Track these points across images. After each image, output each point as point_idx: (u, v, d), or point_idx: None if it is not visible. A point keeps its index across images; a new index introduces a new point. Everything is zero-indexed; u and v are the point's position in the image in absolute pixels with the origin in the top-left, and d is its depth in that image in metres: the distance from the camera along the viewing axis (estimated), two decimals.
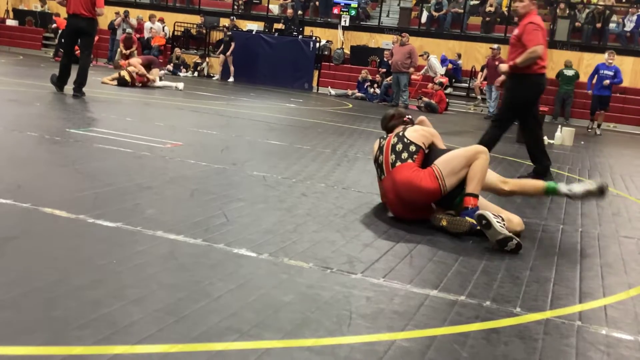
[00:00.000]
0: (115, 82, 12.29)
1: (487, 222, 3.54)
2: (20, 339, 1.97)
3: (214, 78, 18.30)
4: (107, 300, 2.31)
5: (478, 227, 3.63)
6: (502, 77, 6.47)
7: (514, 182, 4.24)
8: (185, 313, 2.28)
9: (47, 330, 2.04)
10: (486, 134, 6.38)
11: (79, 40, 9.56)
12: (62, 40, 11.06)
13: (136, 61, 12.89)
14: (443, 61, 17.11)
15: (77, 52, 10.25)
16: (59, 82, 9.69)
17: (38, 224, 3.17)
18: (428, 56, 16.55)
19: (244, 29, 19.21)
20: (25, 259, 2.66)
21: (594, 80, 13.49)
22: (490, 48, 14.87)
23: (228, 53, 17.92)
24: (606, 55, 13.44)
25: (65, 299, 2.29)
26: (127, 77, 12.37)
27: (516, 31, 6.18)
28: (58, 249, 2.85)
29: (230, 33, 18.05)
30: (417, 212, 3.98)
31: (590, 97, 13.88)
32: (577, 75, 15.79)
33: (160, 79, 13.26)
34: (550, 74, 16.50)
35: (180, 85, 13.07)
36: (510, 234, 3.55)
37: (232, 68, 18.04)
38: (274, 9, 20.54)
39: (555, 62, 16.75)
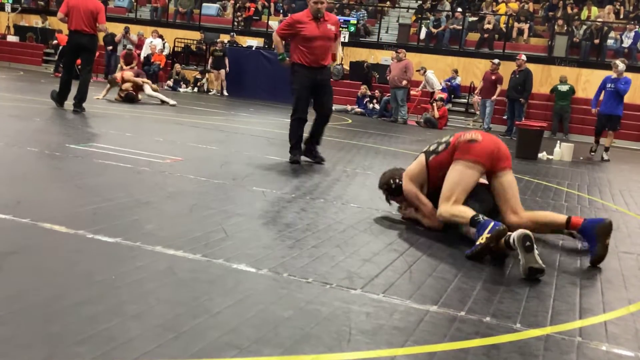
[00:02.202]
0: (120, 97, 12.30)
1: (530, 245, 3.35)
2: (19, 355, 1.96)
3: (210, 93, 18.35)
4: (106, 315, 2.30)
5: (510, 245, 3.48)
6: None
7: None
8: (184, 329, 2.27)
9: (45, 346, 2.03)
10: None
11: (80, 56, 9.62)
12: (63, 56, 11.14)
13: (129, 74, 12.89)
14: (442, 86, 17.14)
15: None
16: (59, 97, 9.74)
17: (37, 239, 3.17)
18: (425, 71, 16.62)
19: (244, 45, 19.30)
20: (24, 275, 2.65)
21: (601, 97, 11.29)
22: (491, 62, 14.92)
23: (222, 69, 18.05)
24: (618, 62, 11.09)
25: (64, 315, 2.28)
26: (132, 90, 12.42)
27: None
28: (57, 264, 2.84)
29: (222, 48, 18.14)
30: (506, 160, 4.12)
31: (593, 115, 12.01)
32: (572, 90, 15.82)
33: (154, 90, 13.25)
34: (546, 89, 16.62)
35: (172, 101, 12.88)
36: (543, 266, 3.36)
37: (224, 83, 18.16)
38: (274, 25, 20.65)
39: (553, 78, 16.83)
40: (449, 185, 4.02)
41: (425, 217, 4.31)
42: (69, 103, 9.55)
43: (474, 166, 4.01)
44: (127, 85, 12.46)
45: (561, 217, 4.09)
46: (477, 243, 3.60)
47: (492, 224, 3.60)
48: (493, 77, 14.65)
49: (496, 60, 14.90)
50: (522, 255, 3.36)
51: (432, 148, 4.31)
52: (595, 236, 3.78)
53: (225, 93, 18.07)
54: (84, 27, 9.30)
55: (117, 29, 19.73)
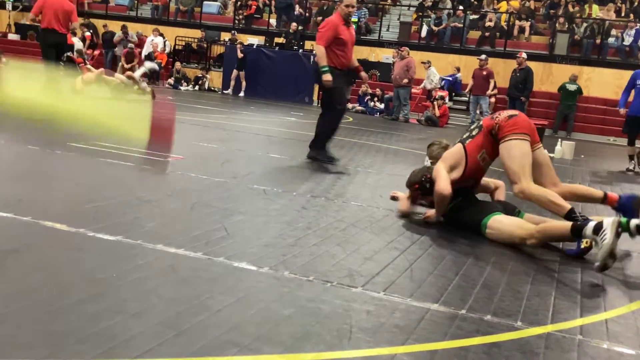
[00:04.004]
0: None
1: (621, 232, 3.41)
2: (20, 353, 1.96)
3: (219, 92, 18.28)
4: (107, 314, 2.31)
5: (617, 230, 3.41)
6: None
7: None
8: (185, 327, 2.27)
9: (47, 344, 2.04)
10: None
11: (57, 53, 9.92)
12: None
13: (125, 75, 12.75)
14: (442, 80, 17.13)
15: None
16: None
17: (38, 237, 3.17)
18: (430, 65, 16.62)
19: (245, 43, 19.28)
20: (25, 273, 2.66)
21: (631, 97, 9.20)
22: (478, 59, 14.91)
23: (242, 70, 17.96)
24: None
25: (65, 313, 2.28)
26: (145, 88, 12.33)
27: None
28: (58, 262, 2.85)
29: (243, 49, 17.98)
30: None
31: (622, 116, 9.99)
32: (579, 90, 15.76)
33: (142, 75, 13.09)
34: (552, 87, 16.60)
35: (147, 88, 12.51)
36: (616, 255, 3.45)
37: (244, 83, 18.04)
38: (275, 23, 20.64)
39: (555, 76, 16.82)
40: (516, 161, 4.09)
41: (435, 204, 4.28)
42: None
43: (525, 137, 4.16)
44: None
45: (598, 192, 4.39)
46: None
47: (605, 219, 3.51)
48: (484, 73, 14.61)
49: (483, 56, 14.86)
50: (612, 238, 3.34)
51: (465, 135, 4.41)
52: (635, 209, 4.14)
53: (242, 94, 17.90)
54: (56, 26, 9.53)
55: (118, 27, 19.74)
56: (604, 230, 3.39)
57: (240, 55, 17.72)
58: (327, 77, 6.50)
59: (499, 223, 4.01)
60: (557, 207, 3.96)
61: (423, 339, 2.40)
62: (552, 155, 10.08)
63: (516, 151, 4.10)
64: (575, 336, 2.61)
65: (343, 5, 6.56)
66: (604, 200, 4.32)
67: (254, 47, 18.58)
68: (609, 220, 3.43)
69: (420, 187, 4.45)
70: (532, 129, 4.24)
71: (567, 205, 3.94)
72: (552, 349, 2.45)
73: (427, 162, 5.02)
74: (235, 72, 18.11)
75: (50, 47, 9.76)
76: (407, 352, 2.27)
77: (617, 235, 3.38)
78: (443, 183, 4.14)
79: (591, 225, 3.49)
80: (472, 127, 4.44)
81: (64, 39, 9.83)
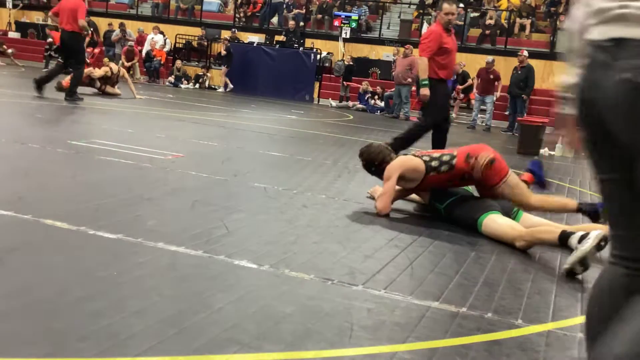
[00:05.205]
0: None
1: (604, 245, 3.39)
2: (21, 351, 1.96)
3: (218, 90, 18.27)
4: (108, 312, 2.31)
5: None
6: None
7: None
8: (186, 324, 2.27)
9: (47, 342, 2.04)
10: None
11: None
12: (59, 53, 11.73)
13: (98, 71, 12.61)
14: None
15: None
16: (38, 82, 10.17)
17: (39, 235, 3.17)
18: None
19: (245, 41, 19.28)
20: (25, 271, 2.66)
21: None
22: (486, 62, 14.89)
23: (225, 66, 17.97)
24: None
25: (66, 311, 2.28)
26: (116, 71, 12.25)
27: None
28: (59, 260, 2.85)
29: (227, 46, 18.02)
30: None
31: None
32: None
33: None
34: (551, 85, 16.57)
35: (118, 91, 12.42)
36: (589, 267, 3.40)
37: (225, 78, 18.05)
38: (275, 21, 20.63)
39: (556, 74, 16.79)
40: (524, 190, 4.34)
41: (378, 201, 4.42)
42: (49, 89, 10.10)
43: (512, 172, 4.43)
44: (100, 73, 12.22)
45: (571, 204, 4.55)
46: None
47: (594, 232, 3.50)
48: (491, 76, 14.60)
49: (490, 59, 14.83)
50: (589, 248, 3.32)
51: (433, 164, 4.31)
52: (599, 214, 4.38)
53: (230, 85, 17.92)
54: (64, 25, 9.87)
55: (118, 25, 19.72)
56: (587, 239, 3.40)
57: (223, 52, 17.73)
58: (425, 91, 6.41)
59: (493, 222, 4.04)
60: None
61: (424, 337, 2.40)
62: (552, 153, 10.09)
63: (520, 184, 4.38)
64: (575, 334, 2.61)
65: (442, 14, 6.45)
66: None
67: (255, 44, 18.58)
68: (597, 232, 3.43)
69: (366, 166, 4.66)
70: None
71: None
72: (553, 347, 2.45)
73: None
74: (224, 69, 18.13)
75: (62, 46, 10.22)
76: (407, 350, 2.27)
77: (598, 247, 3.36)
78: (383, 203, 4.36)
79: (578, 234, 3.51)
80: (442, 159, 4.30)
81: (70, 37, 10.01)
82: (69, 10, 9.80)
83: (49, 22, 22.02)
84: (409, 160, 4.40)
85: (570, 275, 3.39)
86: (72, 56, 10.19)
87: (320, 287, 2.82)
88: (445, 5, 6.45)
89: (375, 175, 4.67)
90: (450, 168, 4.28)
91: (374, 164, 4.58)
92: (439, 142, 6.76)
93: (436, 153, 4.45)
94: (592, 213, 4.37)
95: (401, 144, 6.74)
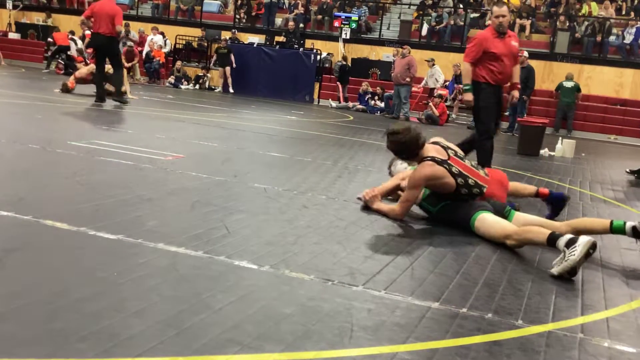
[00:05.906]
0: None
1: (592, 253, 3.35)
2: (21, 352, 1.96)
3: (215, 90, 18.31)
4: (108, 312, 2.31)
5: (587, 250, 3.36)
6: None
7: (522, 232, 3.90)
8: (186, 325, 2.27)
9: (47, 343, 2.03)
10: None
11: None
12: (56, 54, 11.79)
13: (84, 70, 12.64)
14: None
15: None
16: (99, 99, 10.59)
17: (39, 236, 3.17)
18: (434, 64, 16.58)
19: (245, 42, 19.29)
20: (26, 271, 2.65)
21: None
22: None
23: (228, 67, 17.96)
24: None
25: (66, 311, 2.28)
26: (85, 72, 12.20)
27: None
28: (59, 261, 2.85)
29: (227, 45, 18.03)
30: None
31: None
32: (577, 88, 15.78)
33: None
34: (552, 86, 16.60)
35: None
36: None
37: (230, 79, 18.07)
38: (276, 21, 20.64)
39: (555, 75, 16.82)
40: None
41: (399, 207, 4.35)
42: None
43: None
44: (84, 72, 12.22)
45: (530, 188, 5.00)
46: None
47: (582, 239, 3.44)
48: None
49: None
50: (578, 258, 3.29)
51: (463, 192, 4.23)
52: (562, 205, 4.88)
53: (231, 90, 17.97)
54: (102, 29, 10.13)
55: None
56: (575, 246, 3.33)
57: (222, 50, 17.78)
58: (468, 96, 6.30)
59: (484, 221, 4.04)
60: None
61: (424, 338, 2.40)
62: (552, 153, 10.09)
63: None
64: (576, 334, 2.60)
65: (493, 17, 6.29)
66: (537, 194, 4.87)
67: (255, 45, 18.58)
68: (586, 238, 3.35)
69: (396, 152, 4.41)
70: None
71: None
72: (553, 348, 2.45)
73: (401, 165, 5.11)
74: (221, 70, 18.14)
75: (97, 51, 10.56)
76: (408, 351, 2.27)
77: (587, 255, 3.31)
78: (404, 210, 4.34)
79: (566, 237, 3.44)
80: (471, 191, 4.22)
81: (108, 41, 10.29)
82: (107, 15, 10.05)
83: (49, 23, 22.14)
84: (442, 177, 4.20)
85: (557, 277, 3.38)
86: (111, 59, 10.55)
87: (320, 287, 2.82)
88: (495, 8, 6.30)
89: (402, 160, 4.81)
90: (471, 197, 4.27)
91: (408, 151, 4.30)
92: (483, 153, 6.39)
93: (471, 178, 4.25)
94: (555, 202, 4.81)
95: (469, 149, 6.40)
